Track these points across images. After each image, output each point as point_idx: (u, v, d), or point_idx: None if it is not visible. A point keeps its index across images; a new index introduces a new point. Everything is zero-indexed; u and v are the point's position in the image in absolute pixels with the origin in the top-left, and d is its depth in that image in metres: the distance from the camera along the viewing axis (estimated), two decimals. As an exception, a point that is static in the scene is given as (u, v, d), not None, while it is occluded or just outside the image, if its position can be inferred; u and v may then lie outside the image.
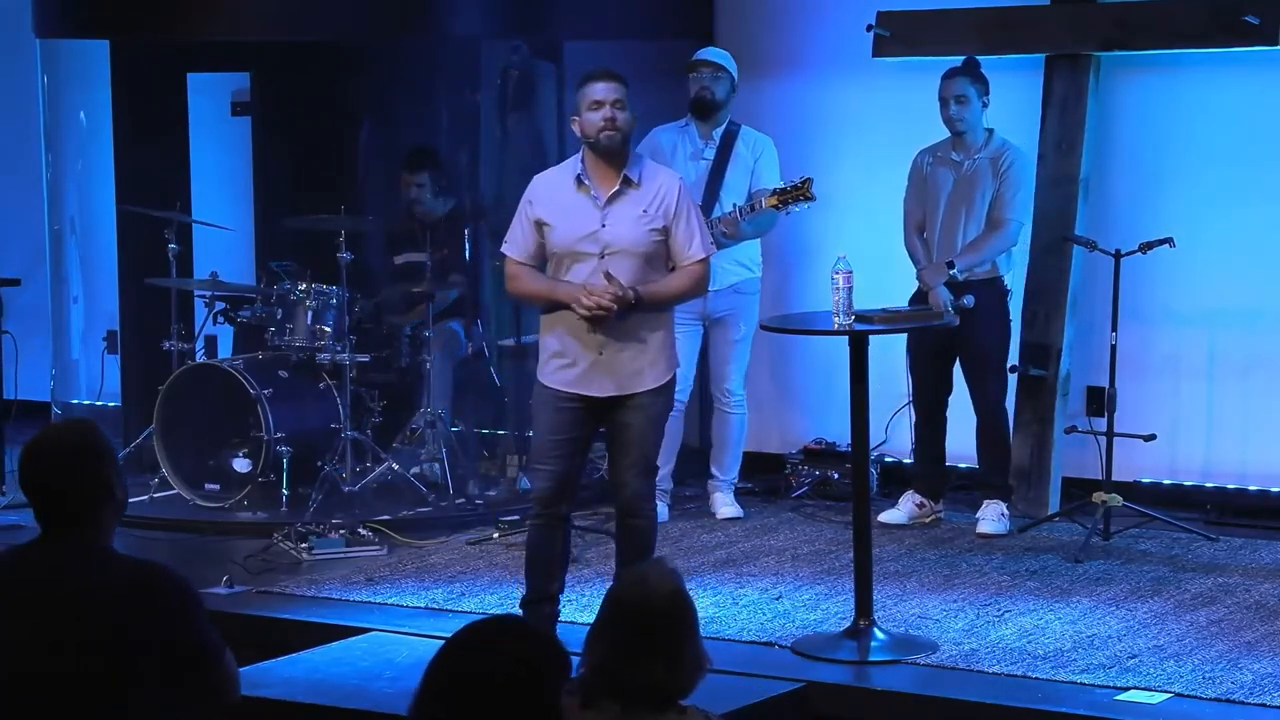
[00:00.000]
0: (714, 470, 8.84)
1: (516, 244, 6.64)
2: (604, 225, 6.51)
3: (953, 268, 8.26)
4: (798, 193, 8.22)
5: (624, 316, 6.47)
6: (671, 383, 6.66)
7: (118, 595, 4.14)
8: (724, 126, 8.64)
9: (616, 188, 6.52)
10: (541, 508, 6.66)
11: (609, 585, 6.78)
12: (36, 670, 4.08)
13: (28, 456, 4.25)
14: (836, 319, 6.72)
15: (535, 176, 6.75)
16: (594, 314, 6.44)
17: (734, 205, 8.45)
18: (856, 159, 9.22)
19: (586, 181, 6.54)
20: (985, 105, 8.34)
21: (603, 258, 6.49)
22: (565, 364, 6.56)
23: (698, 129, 8.65)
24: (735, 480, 8.85)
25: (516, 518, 8.35)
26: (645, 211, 6.52)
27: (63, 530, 4.22)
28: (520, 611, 6.75)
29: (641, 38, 9.20)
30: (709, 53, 8.73)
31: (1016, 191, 8.32)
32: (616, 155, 6.53)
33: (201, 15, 8.80)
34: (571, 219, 6.53)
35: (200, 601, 4.24)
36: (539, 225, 6.57)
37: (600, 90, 6.51)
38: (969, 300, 8.23)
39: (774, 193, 8.30)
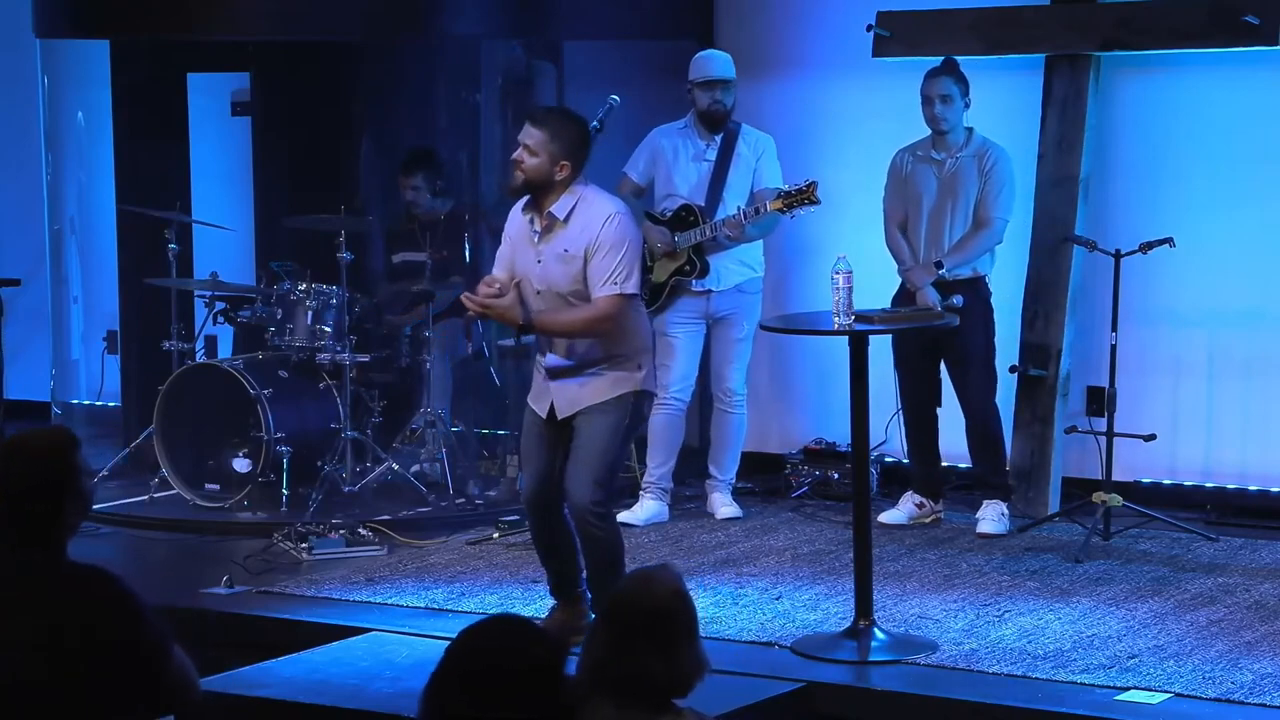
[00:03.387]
0: (712, 470, 8.84)
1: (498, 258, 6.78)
2: (539, 261, 6.55)
3: (941, 267, 8.26)
4: (802, 196, 8.22)
5: (523, 338, 6.75)
6: (624, 399, 6.59)
7: (68, 598, 4.14)
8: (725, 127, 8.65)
9: (545, 224, 6.53)
10: (527, 507, 6.84)
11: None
12: None
13: None
14: (836, 319, 6.72)
15: None
16: (481, 312, 6.60)
17: (739, 208, 8.45)
18: (856, 159, 9.20)
19: (529, 213, 6.60)
20: (967, 105, 8.33)
21: (538, 294, 6.55)
22: (535, 379, 6.74)
23: (697, 130, 8.63)
24: (733, 480, 8.86)
25: (516, 518, 8.35)
26: (567, 250, 6.50)
27: (21, 536, 4.23)
28: (553, 600, 6.92)
29: (641, 38, 9.20)
30: (725, 68, 8.57)
31: (1001, 189, 8.30)
32: (534, 194, 6.52)
33: (201, 15, 8.80)
34: (521, 249, 6.63)
35: (145, 602, 4.23)
36: (508, 240, 6.69)
37: (519, 135, 6.55)
38: (958, 300, 8.22)
39: (779, 195, 8.30)
